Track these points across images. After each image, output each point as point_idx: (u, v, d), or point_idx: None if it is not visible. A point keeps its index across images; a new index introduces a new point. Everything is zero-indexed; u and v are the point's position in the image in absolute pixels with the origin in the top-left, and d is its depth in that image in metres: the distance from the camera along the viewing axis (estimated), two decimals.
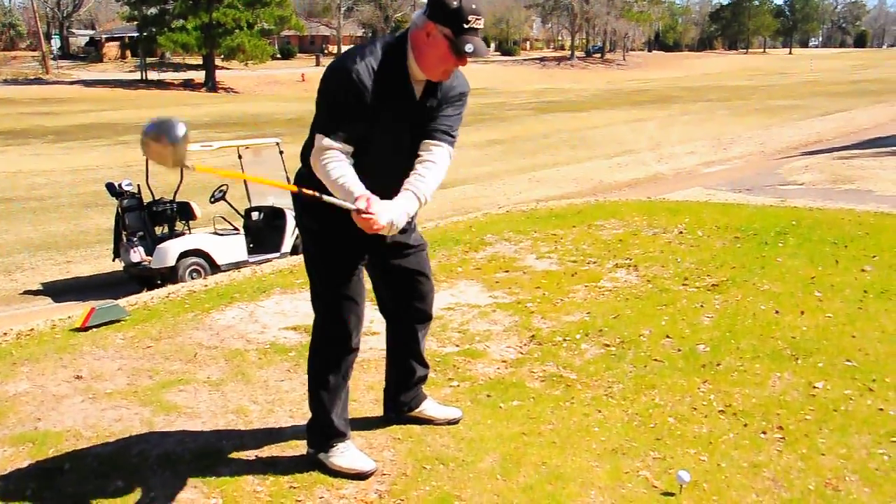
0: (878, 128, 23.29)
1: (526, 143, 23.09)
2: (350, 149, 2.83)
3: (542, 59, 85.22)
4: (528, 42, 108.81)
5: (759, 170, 15.29)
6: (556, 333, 4.77)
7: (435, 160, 2.93)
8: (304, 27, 64.28)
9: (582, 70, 76.55)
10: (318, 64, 68.71)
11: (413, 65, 2.87)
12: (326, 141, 2.81)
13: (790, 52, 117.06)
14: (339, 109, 2.82)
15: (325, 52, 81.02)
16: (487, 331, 4.89)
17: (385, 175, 2.90)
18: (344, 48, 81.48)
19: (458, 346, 4.68)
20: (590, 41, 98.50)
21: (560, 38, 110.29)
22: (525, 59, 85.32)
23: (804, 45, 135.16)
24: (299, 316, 5.28)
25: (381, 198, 2.74)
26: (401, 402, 3.58)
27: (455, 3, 2.75)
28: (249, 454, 3.34)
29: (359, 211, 2.70)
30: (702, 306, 5.18)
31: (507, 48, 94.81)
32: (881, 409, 3.61)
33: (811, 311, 4.99)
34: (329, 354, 3.17)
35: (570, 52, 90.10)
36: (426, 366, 3.60)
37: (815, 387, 3.88)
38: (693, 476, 3.02)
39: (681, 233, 7.33)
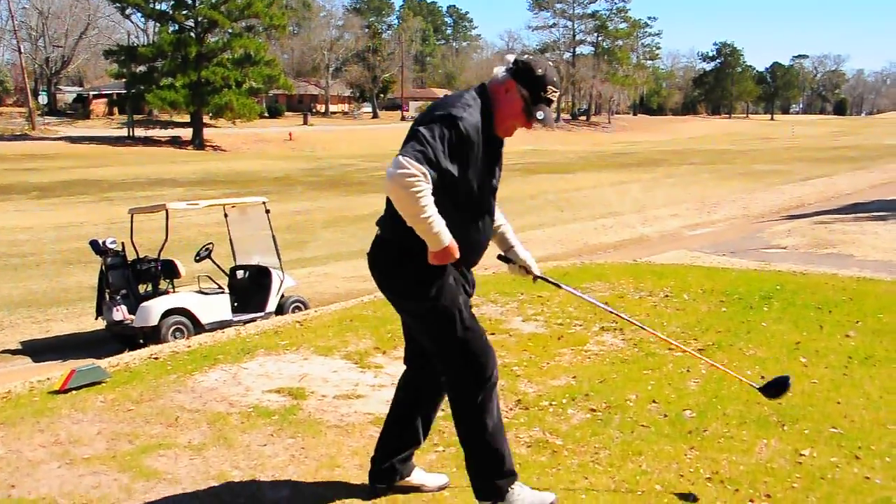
0: (858, 193, 23.62)
1: (512, 203, 23.21)
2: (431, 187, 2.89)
3: None
4: None
5: (743, 233, 15.42)
6: (542, 398, 4.74)
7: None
8: (292, 86, 64.89)
9: (568, 132, 77.38)
10: (305, 123, 69.21)
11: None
12: (420, 168, 2.82)
13: (772, 118, 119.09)
14: (441, 149, 2.88)
15: (314, 111, 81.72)
16: None
17: (468, 222, 3.10)
18: (332, 108, 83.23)
19: (444, 409, 4.61)
20: (576, 104, 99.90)
21: None
22: None
23: (785, 111, 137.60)
24: (283, 378, 5.23)
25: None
26: (395, 470, 3.48)
27: (540, 70, 3.02)
28: None
29: (447, 252, 2.90)
30: (688, 371, 5.17)
31: None
32: (867, 478, 3.59)
33: (797, 377, 4.96)
34: (484, 395, 3.14)
35: (556, 114, 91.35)
36: (427, 434, 3.57)
37: (801, 454, 3.86)
38: None
39: (667, 296, 7.35)
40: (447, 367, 3.18)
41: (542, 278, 3.55)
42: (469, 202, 3.05)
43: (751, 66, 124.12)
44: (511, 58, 3.08)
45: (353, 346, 6.00)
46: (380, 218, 3.22)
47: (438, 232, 2.88)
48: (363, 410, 4.63)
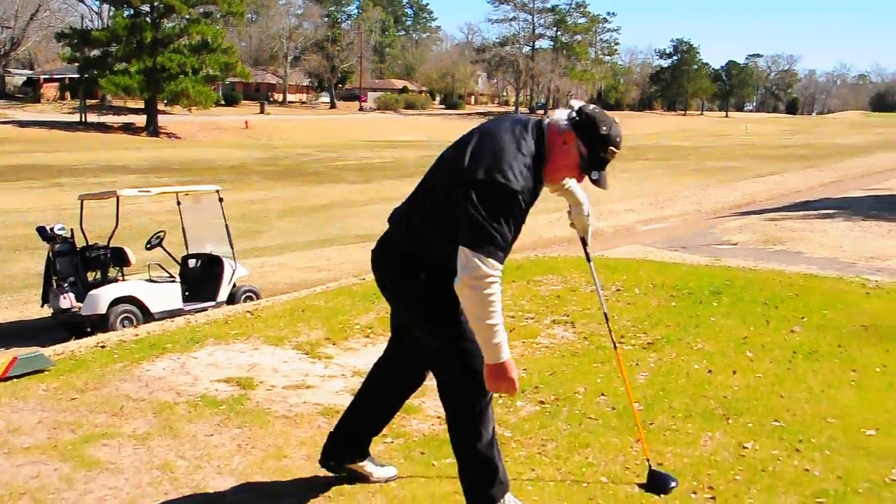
0: (808, 191, 24.03)
1: None
2: None
3: (486, 114, 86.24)
4: (472, 96, 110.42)
5: (695, 229, 15.61)
6: None
7: None
8: (249, 74, 64.27)
9: None
10: (262, 111, 68.53)
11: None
12: (496, 265, 2.72)
13: (726, 116, 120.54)
14: (506, 229, 2.75)
15: (271, 99, 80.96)
16: (424, 387, 4.82)
17: None
18: (290, 97, 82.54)
19: None
20: (534, 98, 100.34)
21: (505, 93, 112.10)
22: (470, 113, 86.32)
23: (739, 108, 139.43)
24: (232, 368, 5.18)
25: None
26: (350, 452, 3.45)
27: (605, 128, 2.83)
28: None
29: (500, 370, 2.83)
30: (637, 364, 5.22)
31: (451, 102, 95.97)
32: (807, 470, 3.66)
33: (742, 371, 5.07)
34: (482, 405, 3.07)
35: (514, 108, 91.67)
36: (387, 424, 3.60)
37: (744, 447, 3.92)
38: None
39: (618, 290, 7.41)
40: (447, 376, 3.11)
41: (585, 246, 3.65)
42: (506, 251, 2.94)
43: (707, 64, 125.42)
44: (577, 104, 2.90)
45: (305, 336, 5.96)
46: (399, 218, 3.09)
47: (500, 343, 2.80)
48: (312, 401, 4.60)
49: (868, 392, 4.73)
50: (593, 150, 2.83)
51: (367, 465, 3.51)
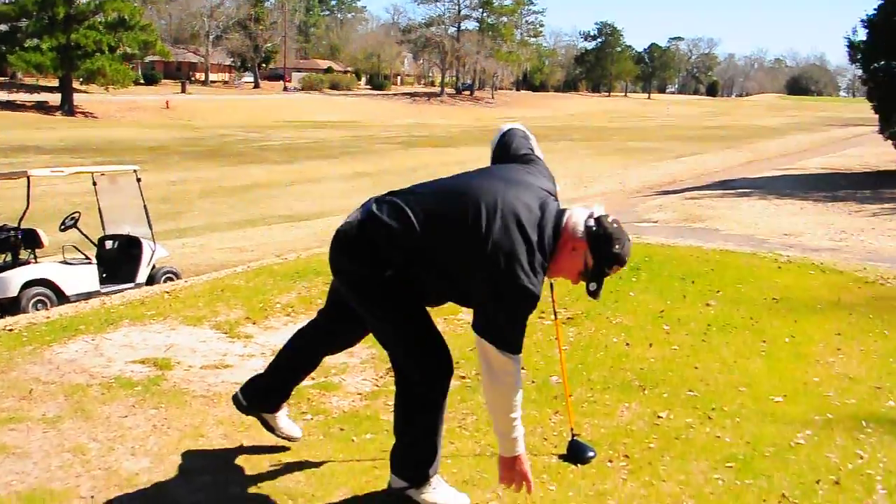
0: (726, 171, 24.67)
1: (394, 176, 23.13)
2: None
3: (412, 95, 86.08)
4: (398, 77, 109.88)
5: (618, 208, 15.86)
6: None
7: None
8: (169, 53, 62.73)
9: (451, 107, 77.73)
10: (183, 91, 66.95)
11: None
12: (518, 358, 2.79)
13: (649, 97, 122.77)
14: (523, 329, 2.80)
15: (192, 79, 79.14)
16: (344, 363, 4.83)
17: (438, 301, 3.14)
18: (212, 77, 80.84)
19: (313, 378, 4.58)
20: (460, 79, 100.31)
21: (431, 74, 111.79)
22: (395, 94, 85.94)
23: (662, 90, 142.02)
24: (148, 349, 5.06)
25: None
26: (283, 396, 3.51)
27: (618, 247, 2.78)
28: (84, 495, 3.15)
29: (514, 463, 2.84)
30: (556, 339, 5.27)
31: (377, 82, 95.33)
32: (718, 437, 3.77)
33: (659, 344, 5.18)
34: (438, 390, 3.03)
35: (440, 89, 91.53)
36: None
37: (659, 416, 4.02)
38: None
39: None
40: (404, 358, 3.05)
41: None
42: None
43: (630, 47, 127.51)
44: (598, 212, 2.82)
45: (224, 316, 5.86)
46: (377, 220, 2.91)
47: (517, 438, 2.82)
48: (231, 380, 4.53)
49: (777, 361, 4.89)
50: (599, 265, 2.79)
51: (280, 416, 3.53)
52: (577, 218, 2.81)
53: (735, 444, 3.69)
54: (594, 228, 2.78)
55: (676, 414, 4.05)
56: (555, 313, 3.88)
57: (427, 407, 3.04)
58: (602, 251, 2.77)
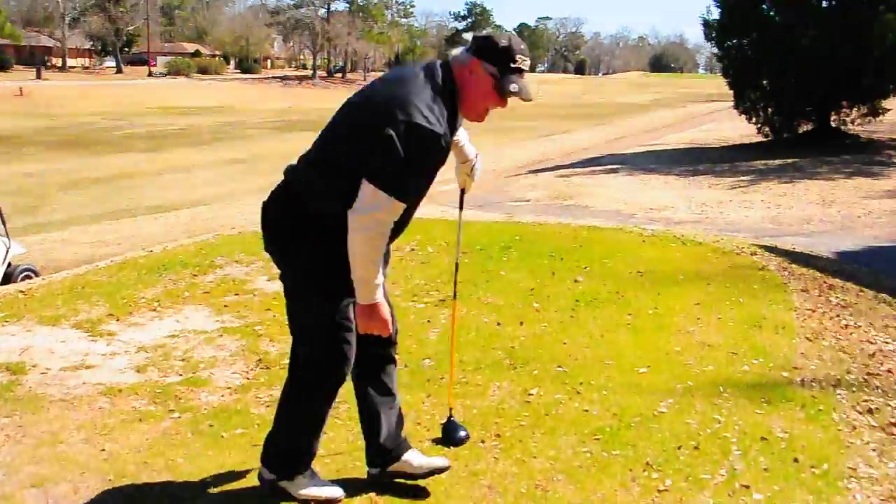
0: (595, 148, 25.29)
1: (266, 162, 22.66)
2: None
3: (283, 78, 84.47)
4: (269, 60, 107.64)
5: (492, 187, 16.03)
6: (284, 356, 4.65)
7: None
8: (21, 36, 59.50)
9: (324, 89, 76.64)
10: (39, 77, 63.44)
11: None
12: (397, 212, 2.67)
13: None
14: (422, 173, 2.70)
15: (48, 64, 75.17)
16: (213, 357, 4.71)
17: (399, 228, 2.84)
18: (71, 62, 77.10)
19: (181, 374, 4.47)
20: (332, 61, 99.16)
21: (302, 57, 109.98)
22: (266, 78, 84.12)
23: (532, 70, 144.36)
24: (1, 353, 4.78)
25: None
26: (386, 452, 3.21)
27: (504, 41, 2.72)
28: None
29: (373, 310, 2.73)
30: (429, 322, 5.31)
31: (246, 66, 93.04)
32: (586, 410, 3.87)
33: (529, 322, 5.28)
34: (331, 387, 2.97)
35: (312, 72, 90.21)
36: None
37: (530, 393, 4.09)
38: (411, 490, 3.08)
39: (412, 250, 7.50)
40: (304, 346, 2.97)
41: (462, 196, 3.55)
42: (420, 196, 2.84)
43: (500, 27, 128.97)
44: (469, 36, 2.81)
45: (85, 314, 5.61)
46: (298, 172, 2.85)
47: (378, 285, 2.71)
48: (93, 381, 4.35)
49: (641, 333, 5.06)
50: (501, 64, 2.73)
51: (410, 459, 3.20)
52: (456, 51, 2.84)
53: (602, 416, 3.80)
54: (472, 43, 2.79)
55: (546, 390, 4.14)
56: (454, 293, 3.84)
57: (316, 398, 3.00)
58: (493, 52, 2.73)
